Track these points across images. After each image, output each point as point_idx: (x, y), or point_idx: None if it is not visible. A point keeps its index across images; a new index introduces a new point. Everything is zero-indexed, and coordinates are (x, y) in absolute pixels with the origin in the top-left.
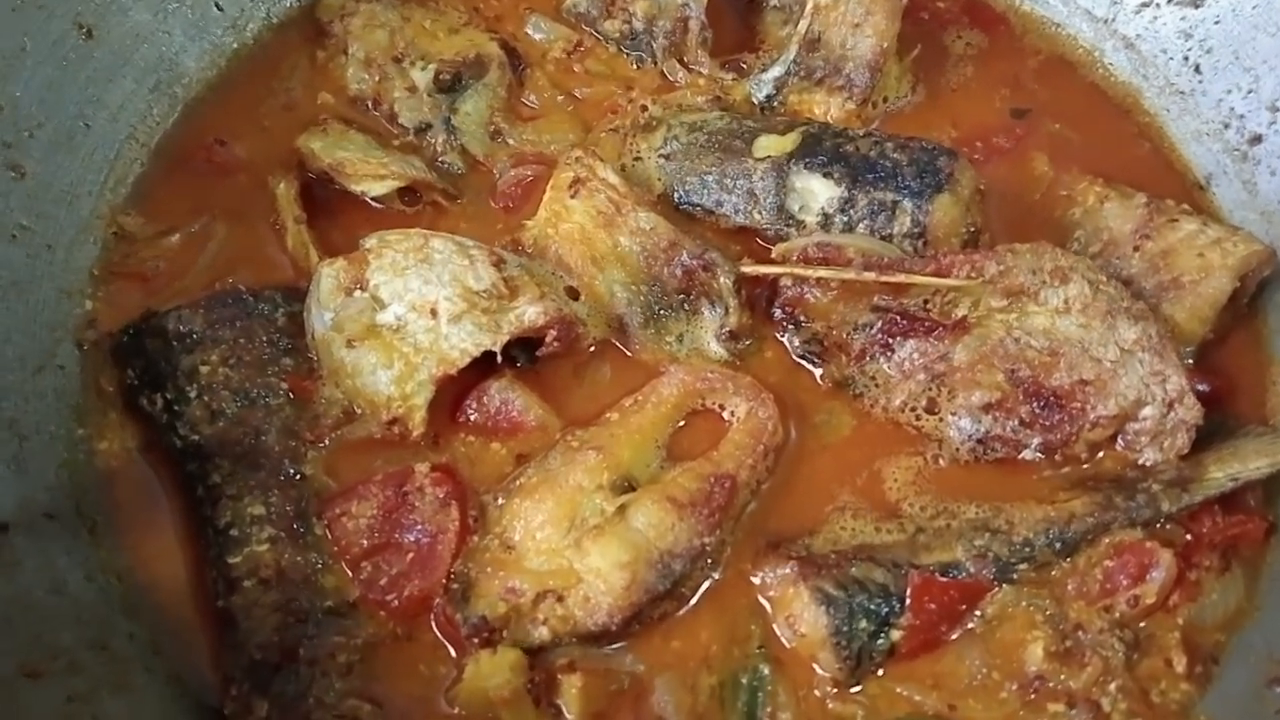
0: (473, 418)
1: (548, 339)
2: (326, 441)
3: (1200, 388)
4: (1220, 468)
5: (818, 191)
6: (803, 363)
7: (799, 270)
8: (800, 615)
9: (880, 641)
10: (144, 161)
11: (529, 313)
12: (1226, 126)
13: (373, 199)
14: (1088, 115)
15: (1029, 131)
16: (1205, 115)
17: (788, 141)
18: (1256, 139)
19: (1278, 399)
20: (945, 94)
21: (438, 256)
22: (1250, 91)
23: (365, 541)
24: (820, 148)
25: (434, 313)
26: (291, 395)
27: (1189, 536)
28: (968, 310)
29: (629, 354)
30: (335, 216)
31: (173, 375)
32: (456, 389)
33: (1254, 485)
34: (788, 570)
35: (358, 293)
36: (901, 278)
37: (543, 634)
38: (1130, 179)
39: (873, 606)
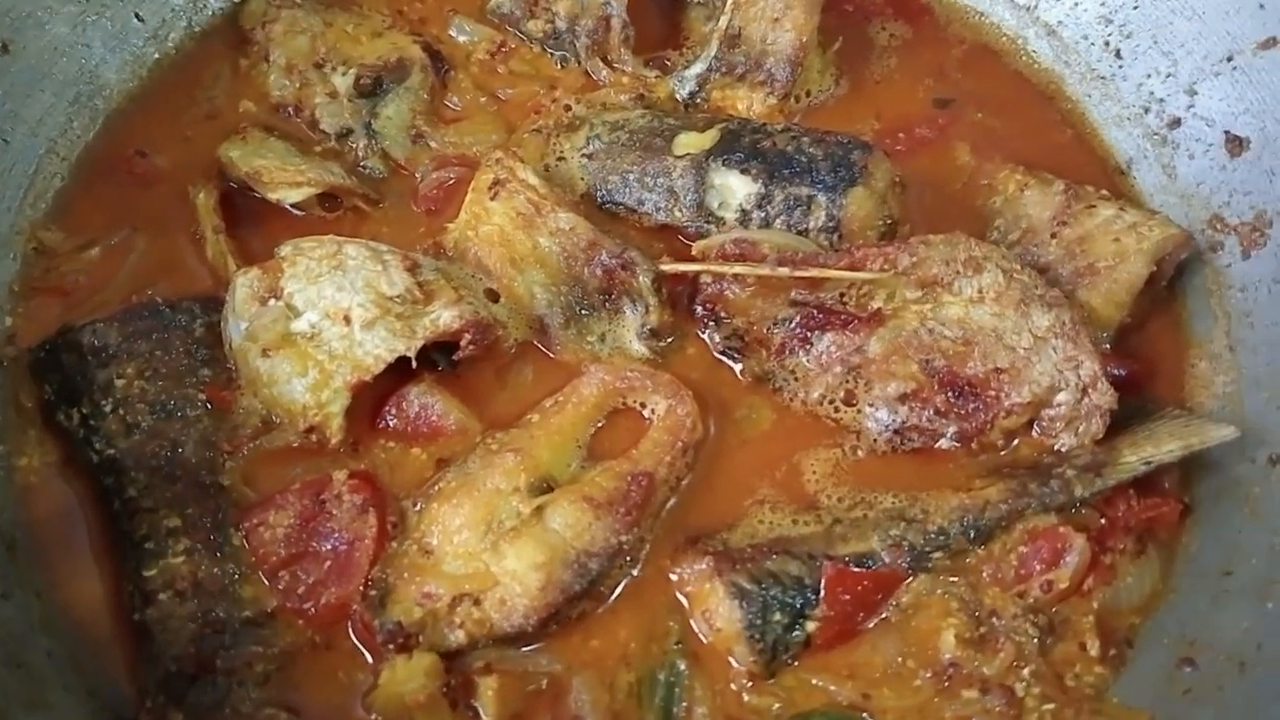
0: (392, 423)
1: (464, 343)
2: (245, 451)
3: (1117, 372)
4: (1134, 451)
5: (735, 188)
6: (723, 359)
7: (716, 268)
8: (715, 610)
9: (795, 634)
10: (64, 175)
11: (444, 317)
12: (1146, 111)
13: (292, 206)
14: (1011, 103)
15: (952, 121)
16: (1126, 100)
17: (706, 139)
18: (1175, 122)
19: (1195, 382)
20: (869, 86)
21: (351, 263)
22: (1169, 75)
23: (283, 550)
24: (738, 144)
25: (347, 319)
26: (210, 406)
27: (1104, 520)
28: (883, 302)
29: (551, 355)
30: (257, 225)
31: (88, 390)
32: (376, 395)
33: (1170, 468)
34: (703, 565)
35: (272, 301)
36: (814, 272)
37: (459, 637)
38: (1053, 166)
39: (787, 599)
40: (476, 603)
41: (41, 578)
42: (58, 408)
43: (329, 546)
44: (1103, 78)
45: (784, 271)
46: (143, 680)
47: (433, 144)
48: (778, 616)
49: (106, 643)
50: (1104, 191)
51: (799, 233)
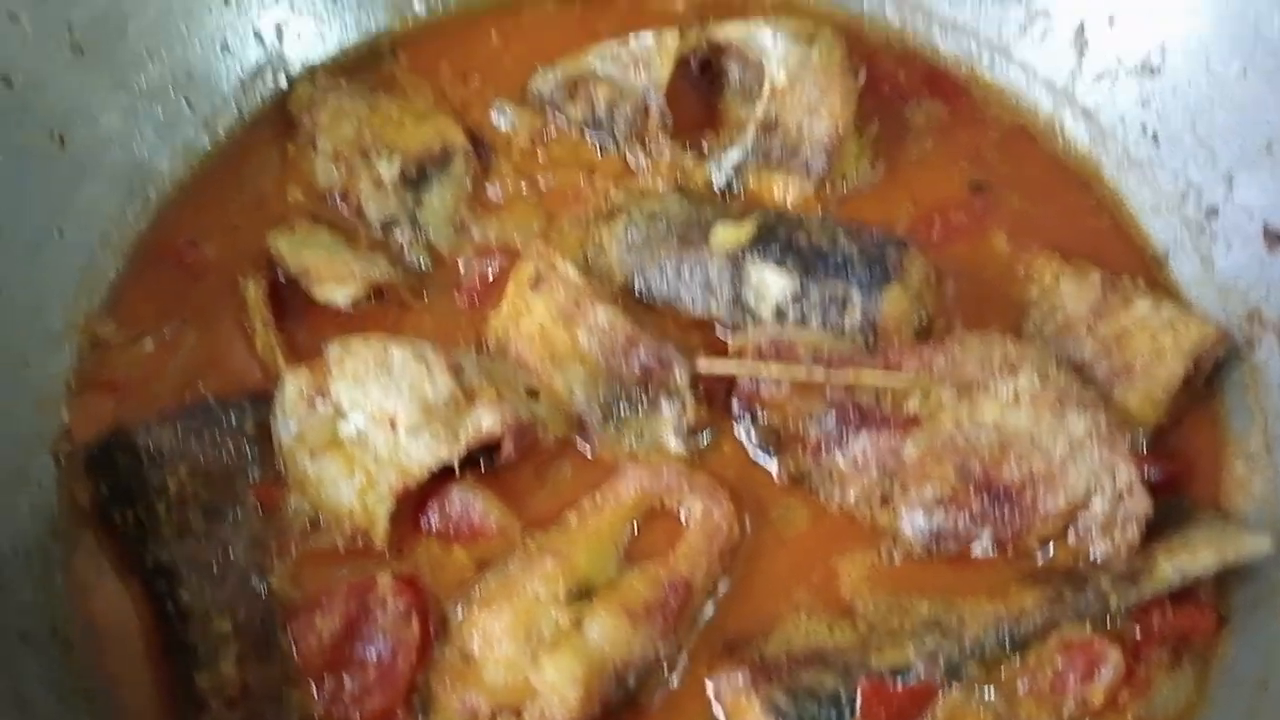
0: (435, 524)
1: (504, 449)
2: (293, 552)
3: (1153, 474)
4: (1170, 561)
5: (771, 284)
6: (760, 456)
7: (751, 369)
8: None
9: None
10: (117, 267)
11: (486, 422)
12: (1184, 199)
13: None
14: (1047, 188)
15: (988, 207)
16: (1163, 187)
17: (743, 232)
18: (1213, 212)
19: (1233, 483)
20: (905, 168)
21: (397, 366)
22: (1207, 163)
23: (329, 655)
24: (774, 237)
25: (393, 424)
26: (260, 506)
27: (1139, 630)
28: (919, 405)
29: (588, 453)
30: (304, 316)
31: (142, 491)
32: (419, 493)
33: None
34: (740, 679)
35: (320, 403)
36: (850, 377)
37: None
38: (1090, 253)
39: (823, 715)
40: (517, 715)
41: (93, 681)
42: (112, 507)
43: (373, 652)
44: (1139, 163)
45: (820, 374)
46: None
47: (475, 234)
48: None
49: None
50: (1141, 283)
51: (835, 330)
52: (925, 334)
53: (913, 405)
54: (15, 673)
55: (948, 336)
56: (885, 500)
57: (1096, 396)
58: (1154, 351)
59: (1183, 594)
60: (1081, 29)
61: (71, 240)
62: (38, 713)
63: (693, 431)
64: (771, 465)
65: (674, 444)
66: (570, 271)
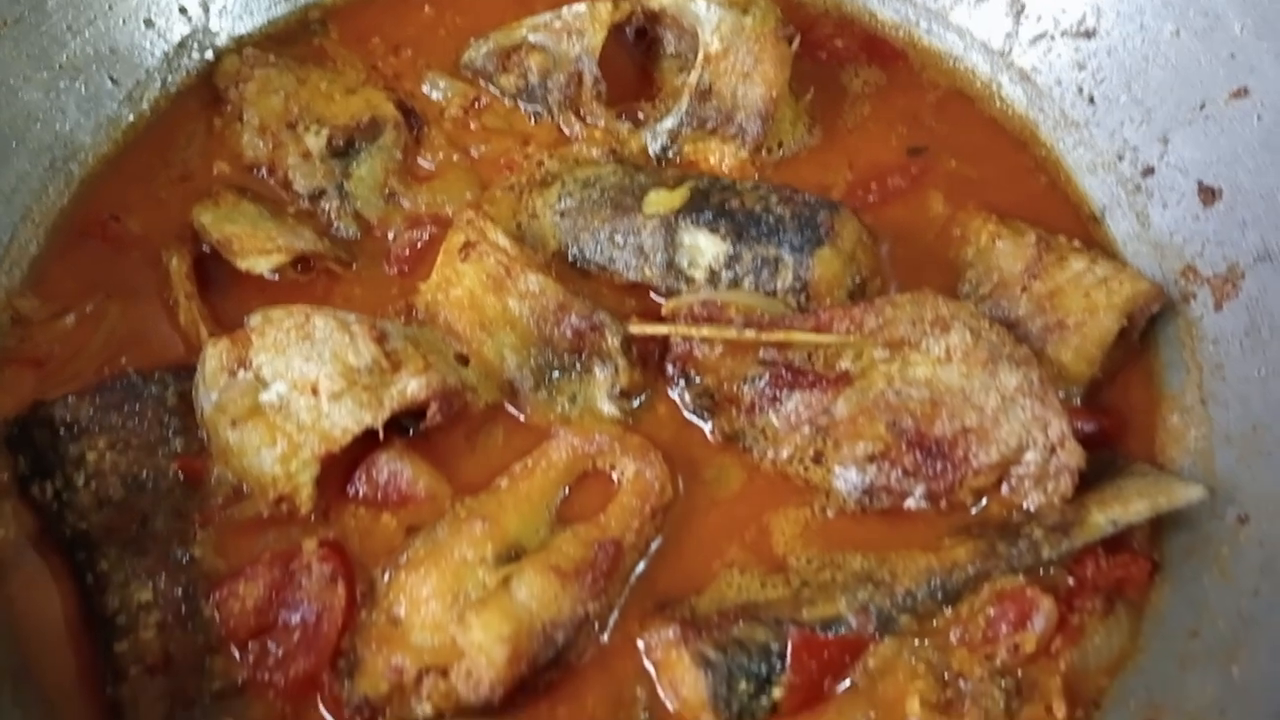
0: (362, 490)
1: (430, 412)
2: (216, 521)
3: (1087, 428)
4: (1102, 511)
5: (704, 247)
6: (694, 418)
7: (684, 330)
8: (681, 678)
9: (762, 701)
10: (39, 242)
11: (410, 386)
12: (1120, 158)
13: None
14: (985, 150)
15: (925, 169)
16: (1100, 147)
17: (676, 197)
18: (1149, 170)
19: (1167, 436)
20: (842, 134)
21: (319, 334)
22: (1142, 123)
23: (252, 621)
24: (707, 203)
25: (315, 391)
26: (181, 477)
27: (1072, 580)
28: (850, 363)
29: (521, 418)
30: (229, 289)
31: (61, 464)
32: (346, 461)
33: (1139, 525)
34: (670, 634)
35: (241, 372)
36: (780, 336)
37: (426, 710)
38: (1027, 214)
39: (753, 668)
40: (443, 675)
41: (14, 655)
42: (31, 482)
43: (298, 617)
44: (1076, 124)
45: (750, 335)
46: None
47: (405, 203)
48: (744, 685)
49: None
50: (1077, 243)
51: (768, 293)
52: (859, 296)
53: (845, 364)
54: None
55: (879, 296)
56: (818, 458)
57: (1029, 353)
58: (1087, 308)
59: (1117, 544)
60: None
61: None
62: None
63: (626, 395)
64: (705, 426)
65: (608, 407)
66: (500, 238)
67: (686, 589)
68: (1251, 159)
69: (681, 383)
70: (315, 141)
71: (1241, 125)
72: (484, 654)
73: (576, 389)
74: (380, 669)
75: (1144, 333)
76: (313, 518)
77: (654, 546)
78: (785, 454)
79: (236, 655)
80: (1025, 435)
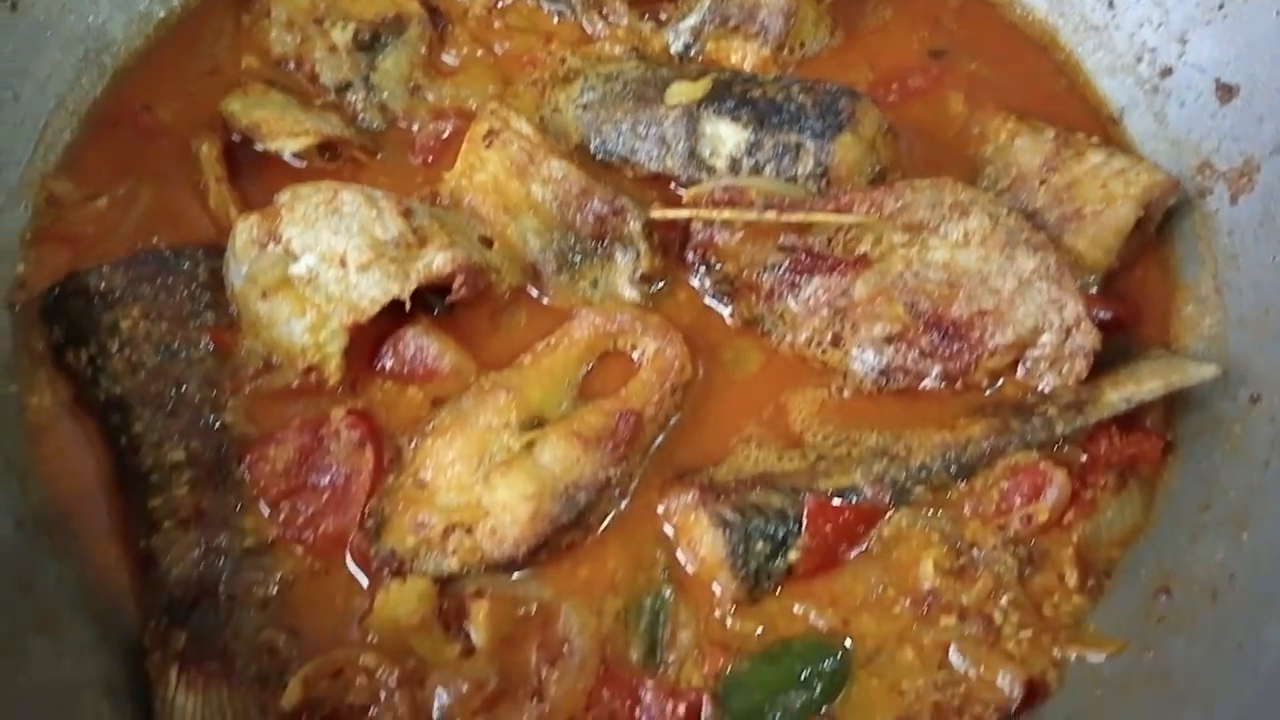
0: (389, 364)
1: (456, 285)
2: (246, 391)
3: (1103, 315)
4: (1115, 389)
5: (726, 136)
6: (713, 303)
7: (705, 213)
8: (700, 539)
9: (777, 563)
10: (73, 129)
11: (436, 260)
12: (1139, 60)
13: (292, 156)
14: (1006, 53)
15: (946, 71)
16: (1119, 49)
17: (698, 88)
18: (1167, 71)
19: (1182, 324)
20: (864, 36)
21: (347, 208)
22: (1161, 24)
23: (283, 483)
24: (729, 93)
25: (343, 262)
26: (213, 348)
27: (1086, 457)
28: (869, 247)
29: (543, 300)
30: (258, 177)
31: (95, 331)
32: (374, 336)
33: (1153, 407)
34: (689, 498)
35: (271, 246)
36: (800, 217)
37: (451, 564)
38: (1046, 116)
39: (769, 529)
40: (468, 532)
41: (51, 510)
42: (66, 349)
43: (327, 480)
44: (1096, 27)
45: (770, 216)
46: (147, 604)
47: (430, 96)
48: (760, 546)
49: (114, 570)
50: (1095, 139)
51: (788, 179)
52: (878, 185)
53: (863, 247)
54: None
55: (898, 181)
56: (836, 340)
57: (1046, 239)
58: (1105, 197)
59: (1130, 423)
60: None
61: (27, 104)
62: None
63: (647, 279)
64: (725, 311)
65: (628, 292)
66: (524, 126)
67: (705, 461)
68: (1269, 54)
69: (702, 269)
70: (341, 36)
71: (1259, 21)
72: (508, 512)
73: (598, 273)
74: (407, 525)
75: (1160, 228)
76: (340, 389)
77: (673, 422)
78: (803, 337)
79: (267, 515)
80: (1041, 317)
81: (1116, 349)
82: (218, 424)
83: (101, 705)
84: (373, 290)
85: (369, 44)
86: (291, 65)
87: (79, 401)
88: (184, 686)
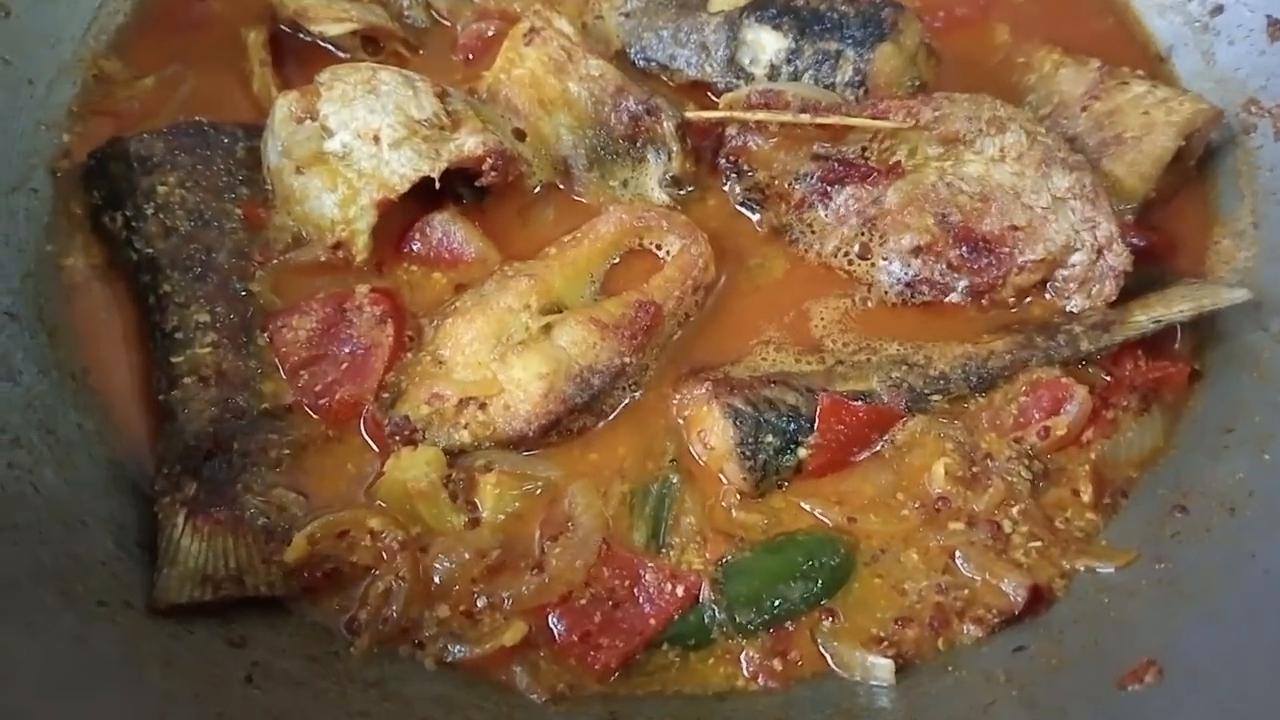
0: (416, 248)
1: (485, 167)
2: (275, 262)
3: (1137, 242)
4: (1144, 311)
5: (766, 43)
6: (743, 210)
7: (739, 115)
8: (710, 429)
9: (787, 458)
10: (126, 13)
11: (468, 143)
12: None
13: (335, 46)
14: None
15: (993, 3)
16: None
17: None
18: (1218, 9)
19: (1217, 257)
20: None
21: (384, 88)
22: None
23: (304, 352)
24: (772, 1)
25: (377, 139)
26: (245, 221)
27: (1109, 378)
28: (904, 157)
29: (574, 196)
30: (302, 65)
31: (132, 194)
32: (402, 220)
33: (1183, 335)
34: (702, 390)
35: (308, 121)
36: (836, 119)
37: (463, 437)
38: (1093, 51)
39: (781, 424)
40: (482, 406)
41: (77, 361)
42: (104, 212)
43: (347, 350)
44: None
45: (806, 118)
46: (162, 453)
47: None
48: (770, 439)
49: (132, 425)
50: (1140, 72)
51: (826, 87)
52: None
53: (898, 157)
54: (4, 343)
55: (937, 92)
56: (864, 251)
57: (1083, 159)
58: (1146, 124)
59: (1157, 348)
60: None
61: None
62: (23, 383)
63: (677, 182)
64: (754, 218)
65: (658, 193)
66: (565, 25)
67: (722, 360)
68: None
69: (733, 176)
70: None
71: None
72: (521, 389)
73: (629, 174)
74: (422, 396)
75: (1200, 164)
76: (366, 268)
77: (692, 320)
78: (831, 246)
79: (286, 380)
80: (1074, 236)
81: (1148, 279)
82: (244, 292)
83: (108, 540)
84: (404, 168)
85: None
86: None
87: (111, 265)
88: (190, 530)
